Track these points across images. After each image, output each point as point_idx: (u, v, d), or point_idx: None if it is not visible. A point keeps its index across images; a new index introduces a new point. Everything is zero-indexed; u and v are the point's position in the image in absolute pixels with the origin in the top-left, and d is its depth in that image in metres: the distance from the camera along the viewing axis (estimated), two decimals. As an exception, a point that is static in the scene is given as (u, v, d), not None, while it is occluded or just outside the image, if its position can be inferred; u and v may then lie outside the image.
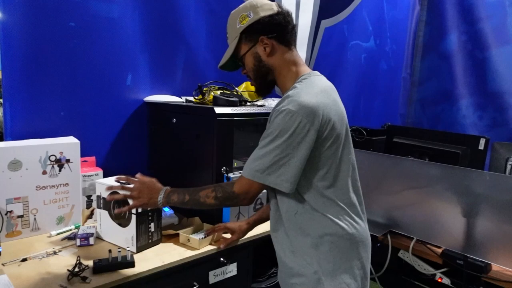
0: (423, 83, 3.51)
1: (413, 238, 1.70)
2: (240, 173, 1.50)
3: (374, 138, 2.18)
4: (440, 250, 1.62)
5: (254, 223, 1.45)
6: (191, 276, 1.33)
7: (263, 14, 1.12)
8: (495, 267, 1.51)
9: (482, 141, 1.66)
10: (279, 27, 1.13)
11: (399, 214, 1.76)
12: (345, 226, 1.09)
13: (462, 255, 1.53)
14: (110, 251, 1.20)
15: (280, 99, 1.12)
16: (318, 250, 1.08)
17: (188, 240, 1.36)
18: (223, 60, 1.20)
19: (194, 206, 1.15)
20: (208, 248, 1.37)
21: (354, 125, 2.37)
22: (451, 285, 1.60)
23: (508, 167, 1.62)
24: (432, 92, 3.43)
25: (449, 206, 1.59)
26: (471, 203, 1.52)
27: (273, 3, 1.15)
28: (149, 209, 1.30)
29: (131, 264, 1.19)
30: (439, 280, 1.63)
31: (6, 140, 1.47)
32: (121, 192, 1.22)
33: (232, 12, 1.20)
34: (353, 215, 1.12)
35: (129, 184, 1.23)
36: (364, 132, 2.24)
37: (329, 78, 2.78)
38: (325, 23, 2.64)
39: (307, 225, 1.09)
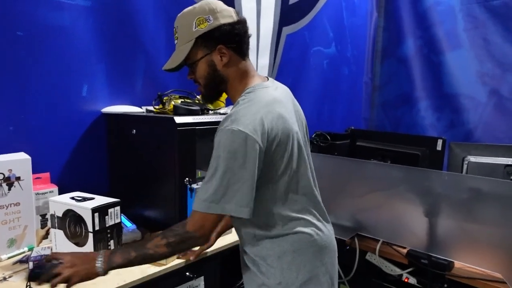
0: (384, 87, 3.61)
1: (379, 240, 1.72)
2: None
3: (338, 142, 2.21)
4: (405, 251, 1.65)
5: (221, 231, 1.42)
6: (156, 294, 1.28)
7: (223, 21, 1.05)
8: (457, 264, 1.55)
9: (440, 142, 1.71)
10: (238, 37, 1.08)
11: (365, 217, 1.78)
12: (308, 232, 1.08)
13: (426, 255, 1.57)
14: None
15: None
16: (281, 260, 1.06)
17: None
18: (173, 64, 1.11)
19: (144, 261, 1.03)
20: (173, 262, 1.32)
21: (319, 130, 2.39)
22: (417, 285, 1.63)
23: (465, 166, 1.69)
24: (393, 95, 3.54)
25: (412, 206, 1.62)
26: (432, 203, 1.55)
27: (232, 10, 1.09)
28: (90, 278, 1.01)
29: None
30: (406, 280, 1.66)
31: None
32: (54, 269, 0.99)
33: (185, 11, 1.10)
34: (314, 222, 1.11)
35: (58, 260, 1.01)
36: (328, 137, 2.26)
37: (292, 84, 2.80)
38: (287, 30, 2.67)
39: (268, 242, 1.07)
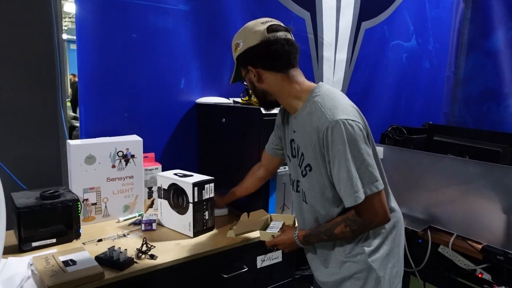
0: (468, 82, 3.45)
1: (453, 234, 1.74)
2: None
3: (414, 136, 2.22)
4: (480, 246, 1.65)
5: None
6: (241, 259, 1.48)
7: (248, 45, 1.16)
8: (537, 263, 1.52)
9: (524, 139, 1.67)
10: (262, 58, 1.15)
11: (439, 210, 1.80)
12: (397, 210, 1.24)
13: (503, 251, 1.56)
14: (113, 248, 1.24)
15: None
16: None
17: (273, 236, 1.35)
18: (232, 78, 1.30)
19: (334, 241, 1.20)
20: (256, 234, 1.45)
21: (394, 123, 2.41)
22: (491, 281, 1.62)
23: (551, 165, 1.62)
24: (477, 90, 3.37)
25: (489, 203, 1.61)
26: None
27: (262, 30, 1.15)
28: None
29: (119, 266, 1.20)
30: (480, 276, 1.66)
31: (81, 138, 1.70)
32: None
33: (235, 35, 1.24)
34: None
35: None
36: (404, 131, 2.28)
37: (369, 78, 2.89)
38: (366, 25, 2.70)
39: None
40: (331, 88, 1.19)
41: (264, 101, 1.27)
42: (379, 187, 1.08)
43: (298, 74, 1.20)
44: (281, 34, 1.15)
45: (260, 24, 1.16)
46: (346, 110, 1.09)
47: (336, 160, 1.07)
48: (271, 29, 1.15)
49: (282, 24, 1.19)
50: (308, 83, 1.21)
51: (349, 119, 1.06)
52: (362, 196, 1.06)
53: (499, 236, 1.59)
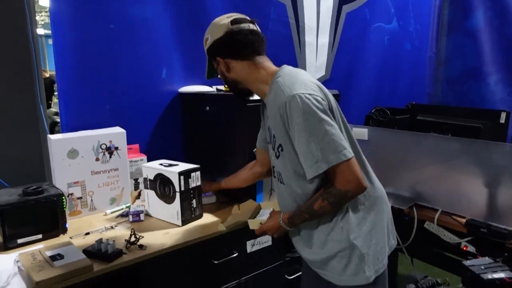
0: (449, 62, 3.49)
1: (438, 210, 1.77)
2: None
3: (398, 117, 2.24)
4: (464, 220, 1.68)
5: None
6: (231, 245, 1.49)
7: (214, 38, 1.23)
8: (519, 234, 1.56)
9: (503, 115, 1.70)
10: (228, 48, 1.22)
11: (423, 188, 1.83)
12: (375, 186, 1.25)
13: (486, 224, 1.60)
14: (101, 240, 1.25)
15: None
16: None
17: (261, 223, 1.35)
18: (206, 73, 1.35)
19: (315, 218, 1.20)
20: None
21: (379, 105, 2.43)
22: (475, 253, 1.66)
23: (529, 138, 1.66)
24: (459, 70, 3.41)
25: (472, 178, 1.65)
26: (493, 174, 1.57)
27: (226, 23, 1.21)
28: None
29: (107, 258, 1.21)
30: (464, 249, 1.70)
31: (62, 132, 1.67)
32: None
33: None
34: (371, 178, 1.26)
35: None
36: (388, 112, 2.30)
37: (352, 61, 2.89)
38: (346, 8, 2.70)
39: None
40: (294, 68, 1.23)
41: (236, 90, 1.32)
42: (347, 155, 1.08)
43: (264, 61, 1.25)
44: (244, 25, 1.22)
45: (226, 18, 1.23)
46: (305, 85, 1.12)
47: (296, 133, 1.09)
48: (235, 21, 1.22)
49: (247, 17, 1.26)
50: (274, 68, 1.24)
51: (306, 93, 1.08)
52: (323, 166, 1.07)
53: (482, 209, 1.62)
